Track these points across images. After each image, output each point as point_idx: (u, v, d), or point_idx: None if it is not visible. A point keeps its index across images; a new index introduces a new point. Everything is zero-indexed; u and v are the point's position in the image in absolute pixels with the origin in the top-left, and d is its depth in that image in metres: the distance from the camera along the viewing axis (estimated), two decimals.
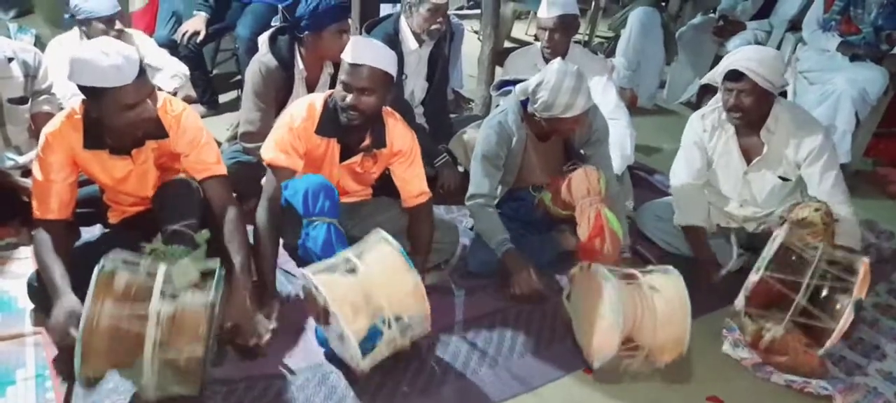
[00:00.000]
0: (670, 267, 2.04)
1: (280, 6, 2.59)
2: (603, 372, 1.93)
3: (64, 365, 1.74)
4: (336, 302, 1.66)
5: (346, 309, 1.66)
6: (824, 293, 1.98)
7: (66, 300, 1.67)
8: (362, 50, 1.98)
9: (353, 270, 1.76)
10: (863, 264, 1.93)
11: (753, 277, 2.01)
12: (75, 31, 2.92)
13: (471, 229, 2.53)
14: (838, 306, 1.93)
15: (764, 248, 2.06)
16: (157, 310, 1.51)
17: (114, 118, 1.74)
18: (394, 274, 1.76)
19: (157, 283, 1.55)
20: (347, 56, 1.97)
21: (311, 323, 2.02)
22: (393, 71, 2.01)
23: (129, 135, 1.83)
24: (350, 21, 2.66)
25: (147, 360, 1.50)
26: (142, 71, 1.74)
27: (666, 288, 1.94)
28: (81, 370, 1.48)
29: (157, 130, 1.88)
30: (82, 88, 1.73)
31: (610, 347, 1.85)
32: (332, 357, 1.90)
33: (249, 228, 2.09)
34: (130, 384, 1.72)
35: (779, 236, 2.02)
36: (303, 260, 1.94)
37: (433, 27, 2.84)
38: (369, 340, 1.71)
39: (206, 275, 1.64)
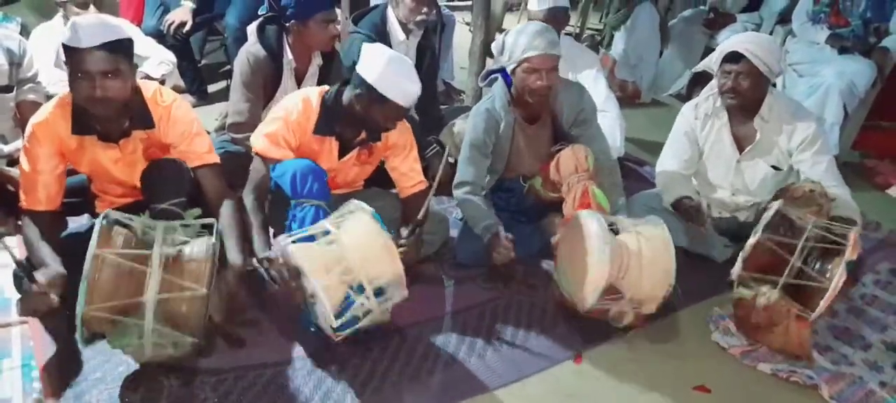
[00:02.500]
0: (653, 217, 2.09)
1: None
2: (591, 343, 1.95)
3: (55, 325, 1.77)
4: (305, 259, 1.67)
5: (318, 267, 1.67)
6: (816, 261, 2.01)
7: (54, 265, 1.65)
8: (414, 93, 1.98)
9: (325, 236, 1.77)
10: (853, 231, 1.96)
11: (751, 240, 2.04)
12: (59, 18, 2.89)
13: (460, 219, 2.53)
14: (830, 272, 1.96)
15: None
16: (160, 252, 1.55)
17: (73, 84, 1.70)
18: (366, 236, 1.76)
19: (158, 231, 1.59)
20: (397, 97, 1.94)
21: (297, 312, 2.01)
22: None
23: (103, 115, 1.76)
24: (338, 11, 2.65)
25: (149, 303, 1.50)
26: (116, 48, 1.68)
27: (649, 232, 1.99)
28: (85, 309, 1.48)
29: (144, 120, 1.86)
30: None
31: (601, 278, 1.87)
32: (320, 347, 1.90)
33: None
34: (118, 370, 1.72)
35: (775, 205, 2.05)
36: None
37: (418, 18, 2.84)
38: (345, 308, 1.71)
39: (203, 229, 1.68)
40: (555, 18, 2.96)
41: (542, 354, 2.01)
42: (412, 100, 1.97)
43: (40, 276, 1.60)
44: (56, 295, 1.58)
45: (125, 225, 1.62)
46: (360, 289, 1.71)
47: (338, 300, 1.69)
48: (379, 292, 1.74)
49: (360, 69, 1.96)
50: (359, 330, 1.76)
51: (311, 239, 1.78)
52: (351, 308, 1.71)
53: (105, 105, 1.71)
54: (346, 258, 1.70)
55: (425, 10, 2.84)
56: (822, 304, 1.90)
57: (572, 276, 2.04)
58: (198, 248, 1.61)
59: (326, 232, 1.78)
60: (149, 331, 1.52)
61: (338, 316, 1.68)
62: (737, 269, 2.05)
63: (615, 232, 2.00)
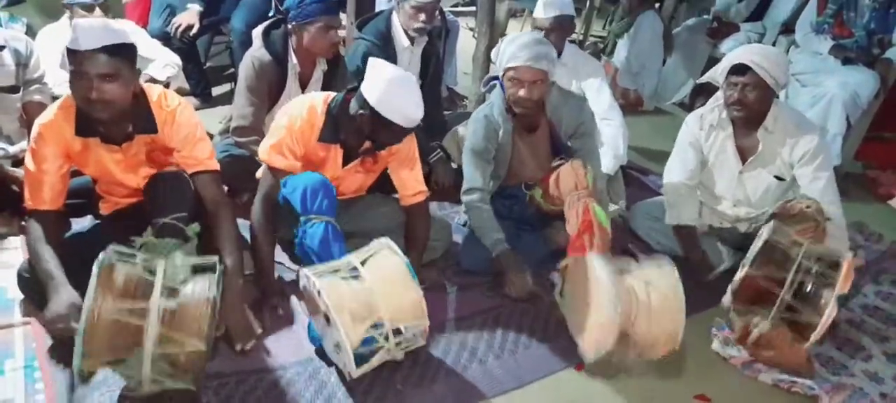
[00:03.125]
0: (665, 259, 2.03)
1: None
2: (595, 367, 1.93)
3: (58, 356, 1.74)
4: (337, 309, 1.65)
5: (346, 317, 1.66)
6: (809, 288, 2.00)
7: (65, 291, 1.66)
8: (416, 116, 1.96)
9: (356, 277, 1.75)
10: (846, 260, 1.95)
11: (739, 274, 2.03)
12: (65, 19, 2.90)
13: (464, 225, 2.53)
14: (823, 301, 1.95)
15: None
16: (158, 305, 1.51)
17: (72, 85, 1.70)
18: (397, 286, 1.75)
19: (157, 278, 1.54)
20: (399, 119, 1.93)
21: (302, 319, 2.02)
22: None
23: (102, 118, 1.75)
24: (342, 17, 2.64)
25: (147, 355, 1.49)
26: (116, 52, 1.68)
27: (660, 282, 1.94)
28: (81, 364, 1.47)
29: (147, 124, 1.86)
30: None
31: (607, 341, 1.83)
32: (323, 352, 1.90)
33: (242, 221, 2.09)
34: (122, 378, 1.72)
35: (764, 233, 2.04)
36: (299, 257, 1.94)
37: (416, 25, 2.83)
38: (364, 345, 1.71)
39: (204, 269, 1.63)
40: (560, 26, 2.96)
41: (544, 362, 2.01)
42: (414, 121, 1.95)
43: (56, 307, 1.62)
44: (74, 321, 1.56)
45: (125, 262, 1.57)
46: (384, 335, 1.71)
47: (359, 341, 1.69)
48: (399, 340, 1.75)
49: (363, 88, 1.95)
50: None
51: (337, 272, 1.77)
52: (371, 348, 1.72)
53: (103, 108, 1.71)
54: (375, 310, 1.70)
55: (423, 17, 2.83)
56: (813, 338, 1.90)
57: (576, 318, 2.02)
58: (199, 296, 1.56)
59: (354, 272, 1.76)
60: (147, 379, 1.51)
61: (358, 361, 1.69)
62: (727, 300, 2.05)
63: (623, 273, 1.93)
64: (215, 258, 1.66)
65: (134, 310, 1.50)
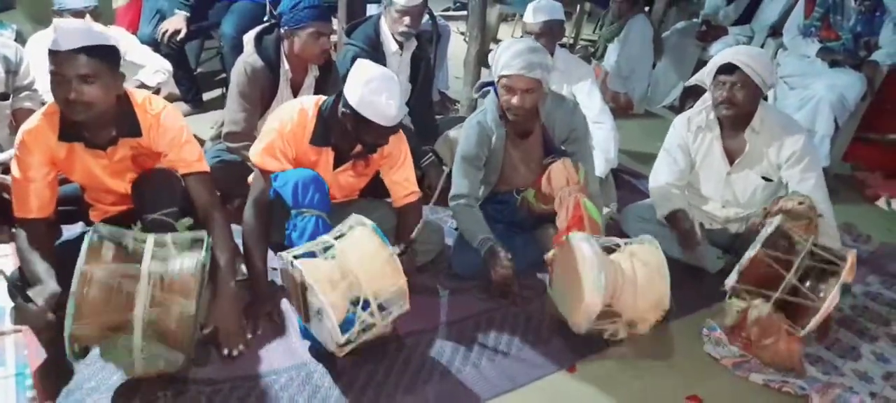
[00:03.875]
0: (647, 236, 2.09)
1: (268, 3, 2.58)
2: (585, 353, 1.95)
3: (46, 370, 1.74)
4: (313, 276, 1.66)
5: (324, 283, 1.67)
6: (810, 279, 2.03)
7: (48, 285, 1.65)
8: (393, 115, 1.94)
9: (328, 250, 1.77)
10: (851, 254, 1.99)
11: (749, 253, 2.05)
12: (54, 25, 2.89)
13: (455, 229, 2.54)
14: (823, 292, 1.98)
15: (748, 246, 2.10)
16: (148, 269, 1.53)
17: (52, 87, 1.69)
18: (369, 250, 1.76)
19: (147, 246, 1.57)
20: (377, 118, 1.92)
21: (294, 323, 2.02)
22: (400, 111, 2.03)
23: (82, 121, 1.74)
24: (334, 23, 2.64)
25: (137, 320, 1.50)
26: (95, 53, 1.66)
27: (644, 255, 1.99)
28: (73, 328, 1.47)
29: (131, 128, 1.85)
30: None
31: (595, 306, 1.87)
32: (315, 353, 1.90)
33: (235, 227, 2.08)
34: (112, 380, 1.72)
35: (776, 220, 2.07)
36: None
37: (401, 29, 2.84)
38: (348, 321, 1.71)
39: (194, 243, 1.65)
40: (550, 31, 2.98)
41: (537, 364, 2.02)
42: (392, 118, 1.94)
43: (35, 295, 1.60)
44: (51, 311, 1.58)
45: (115, 240, 1.60)
46: (365, 305, 1.71)
47: (342, 316, 1.70)
48: (381, 306, 1.75)
49: (345, 89, 1.96)
50: (360, 344, 1.76)
51: (312, 254, 1.78)
52: (354, 323, 1.72)
53: (82, 110, 1.69)
54: (350, 273, 1.71)
55: (408, 21, 2.84)
56: (813, 322, 1.92)
57: (566, 299, 2.06)
58: (187, 263, 1.59)
59: (328, 247, 1.78)
60: (138, 348, 1.52)
61: (343, 332, 1.69)
62: (732, 280, 2.07)
63: (609, 250, 2.00)
64: (204, 232, 1.68)
65: (125, 274, 1.52)
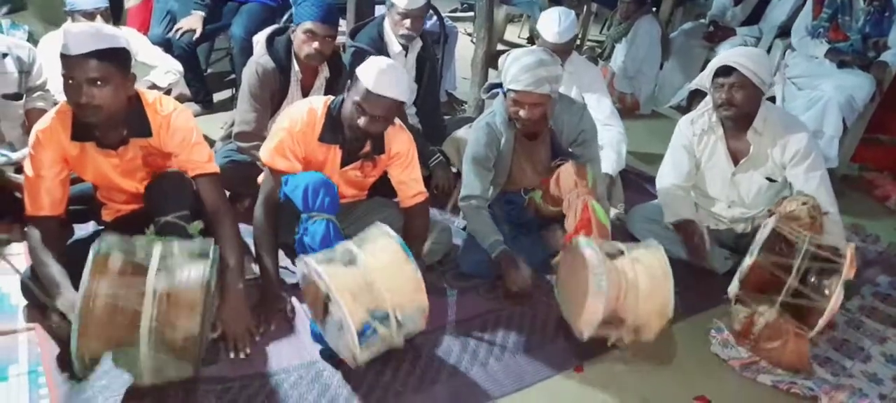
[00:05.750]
0: (652, 241, 2.08)
1: (275, 5, 2.59)
2: (592, 353, 1.95)
3: (62, 363, 1.75)
4: (338, 289, 1.66)
5: (347, 297, 1.67)
6: (813, 278, 2.03)
7: (69, 295, 1.66)
8: (383, 80, 1.94)
9: (353, 261, 1.76)
10: (849, 248, 1.98)
11: (747, 261, 2.05)
12: (67, 27, 2.91)
13: (463, 229, 2.55)
14: (827, 290, 1.98)
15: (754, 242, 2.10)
16: (153, 286, 1.53)
17: (64, 90, 1.71)
18: (394, 265, 1.77)
19: (152, 261, 1.56)
20: (368, 82, 1.93)
21: (304, 321, 2.03)
22: (407, 97, 2.04)
23: (93, 122, 1.76)
24: (343, 25, 2.63)
25: (143, 337, 1.50)
26: (106, 56, 1.67)
27: (648, 261, 1.98)
28: (78, 348, 1.48)
29: (141, 128, 1.86)
30: None
31: (598, 311, 1.87)
32: (325, 355, 1.91)
33: (245, 227, 2.10)
34: (124, 378, 1.73)
35: (770, 223, 2.06)
36: (300, 256, 1.95)
37: (402, 31, 2.84)
38: (365, 333, 1.71)
39: (200, 256, 1.65)
40: (566, 47, 2.99)
41: (544, 364, 2.02)
42: (381, 83, 1.92)
43: (65, 309, 1.63)
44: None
45: (122, 249, 1.59)
46: (385, 319, 1.72)
47: (361, 323, 1.70)
48: (399, 321, 1.75)
49: (356, 71, 2.00)
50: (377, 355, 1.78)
51: (336, 259, 1.78)
52: (373, 336, 1.72)
53: (93, 112, 1.71)
54: (373, 286, 1.71)
55: (408, 23, 2.83)
56: (821, 322, 1.92)
57: (570, 304, 2.06)
58: (193, 278, 1.59)
59: (352, 257, 1.77)
60: (144, 361, 1.53)
61: (360, 345, 1.69)
62: (734, 288, 2.07)
63: (613, 256, 1.98)
64: (211, 241, 1.68)
65: (130, 291, 1.52)
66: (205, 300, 1.57)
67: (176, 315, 1.54)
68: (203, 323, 1.57)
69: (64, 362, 1.75)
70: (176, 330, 1.54)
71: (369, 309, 1.70)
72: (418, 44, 2.97)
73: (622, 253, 2.00)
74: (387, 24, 2.92)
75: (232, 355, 1.85)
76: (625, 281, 1.92)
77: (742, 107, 2.33)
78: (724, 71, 2.32)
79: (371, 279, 1.72)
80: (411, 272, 1.77)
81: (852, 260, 1.94)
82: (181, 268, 1.59)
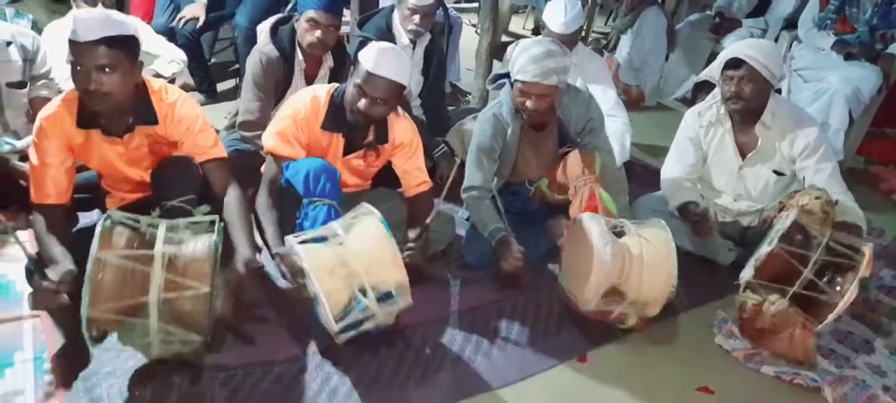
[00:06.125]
0: (656, 219, 2.08)
1: None
2: (595, 344, 1.95)
3: (67, 351, 1.76)
4: (309, 260, 1.67)
5: (321, 270, 1.67)
6: (828, 272, 2.02)
7: (64, 264, 1.65)
8: (383, 61, 1.94)
9: (336, 238, 1.77)
10: (868, 247, 1.97)
11: (765, 248, 2.04)
12: (71, 14, 2.91)
13: (467, 220, 2.55)
14: (840, 286, 1.97)
15: (760, 239, 2.09)
16: (162, 252, 1.54)
17: (72, 77, 1.71)
18: (372, 242, 1.76)
19: (160, 231, 1.59)
20: (368, 64, 1.94)
21: (307, 310, 2.03)
22: (408, 80, 2.03)
23: (101, 110, 1.76)
24: (346, 15, 2.62)
25: (152, 304, 1.51)
26: (115, 43, 1.67)
27: (651, 235, 1.99)
28: (89, 312, 1.49)
29: (147, 116, 1.86)
30: None
31: (601, 283, 1.87)
32: (328, 344, 1.91)
33: None
34: (128, 365, 1.74)
35: (792, 214, 2.05)
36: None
37: (411, 27, 2.83)
38: (348, 310, 1.72)
39: (207, 226, 1.67)
40: (573, 38, 2.98)
41: (548, 354, 2.02)
42: (381, 64, 1.93)
43: (51, 273, 1.61)
44: (66, 291, 1.60)
45: (128, 225, 1.62)
46: (364, 293, 1.72)
47: (341, 303, 1.70)
48: (384, 297, 1.75)
49: (358, 56, 2.01)
50: (362, 332, 1.77)
51: (320, 240, 1.79)
52: (354, 311, 1.72)
53: (101, 99, 1.71)
54: (350, 262, 1.71)
55: (418, 19, 2.81)
56: (831, 317, 1.92)
57: (575, 277, 2.06)
58: (200, 245, 1.61)
59: (336, 235, 1.79)
60: (154, 331, 1.53)
61: (340, 319, 1.70)
62: (748, 275, 2.06)
63: (618, 234, 2.00)
64: (216, 217, 1.69)
65: (139, 257, 1.53)
66: (213, 264, 1.58)
67: (184, 280, 1.55)
68: (211, 290, 1.57)
69: (67, 353, 1.76)
70: (184, 294, 1.55)
71: (350, 284, 1.70)
72: (427, 37, 2.97)
73: (627, 231, 2.01)
74: (396, 17, 2.91)
75: (236, 338, 1.84)
76: (629, 254, 1.93)
77: (751, 101, 2.32)
78: (734, 63, 2.30)
79: (347, 255, 1.72)
80: (389, 248, 1.75)
81: (870, 260, 1.93)
82: (188, 237, 1.62)
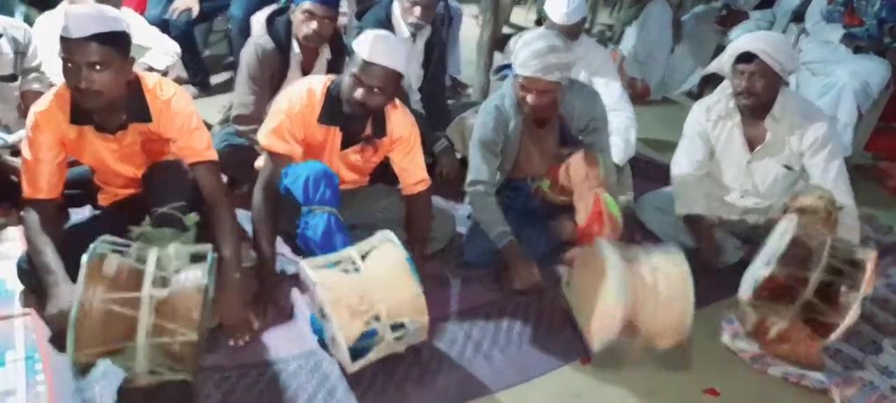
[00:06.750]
0: (674, 247, 2.00)
1: None
2: (600, 358, 1.91)
3: (59, 347, 1.72)
4: (332, 303, 1.63)
5: (343, 312, 1.64)
6: (832, 284, 1.96)
7: (65, 287, 1.64)
8: (378, 49, 1.91)
9: (356, 270, 1.73)
10: (871, 258, 1.91)
11: (763, 272, 1.99)
12: (62, 7, 2.86)
13: (468, 217, 2.50)
14: (843, 299, 1.92)
15: (766, 240, 2.05)
16: (149, 295, 1.49)
17: (64, 73, 1.68)
18: (395, 280, 1.72)
19: (148, 268, 1.52)
20: (363, 52, 1.91)
21: (303, 309, 2.00)
22: (404, 69, 1.99)
23: (93, 107, 1.73)
24: (343, 6, 2.59)
25: (140, 346, 1.47)
26: (107, 40, 1.64)
27: (668, 269, 1.90)
28: (75, 356, 1.45)
29: (141, 113, 1.83)
30: None
31: (612, 328, 1.81)
32: (324, 344, 1.88)
33: (243, 213, 2.06)
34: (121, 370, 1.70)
35: (789, 230, 2.00)
36: (301, 248, 1.91)
37: (411, 19, 2.78)
38: (363, 340, 1.69)
39: (197, 258, 1.61)
40: (576, 28, 2.92)
41: (550, 355, 1.99)
42: (376, 52, 1.90)
43: (56, 304, 1.61)
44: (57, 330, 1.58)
45: (116, 253, 1.55)
46: (382, 329, 1.69)
47: (355, 336, 1.67)
48: (399, 333, 1.73)
49: (354, 45, 1.98)
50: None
51: (334, 264, 1.75)
52: (369, 343, 1.70)
53: (92, 97, 1.68)
54: (371, 300, 1.67)
55: (418, 12, 2.76)
56: (834, 336, 1.88)
57: (582, 308, 1.98)
58: (189, 285, 1.54)
59: (354, 266, 1.74)
60: (142, 368, 1.50)
61: (353, 349, 1.67)
62: (746, 294, 2.02)
63: (631, 261, 1.90)
64: (208, 246, 1.64)
65: (125, 301, 1.48)
66: (202, 307, 1.53)
67: (172, 323, 1.50)
68: (201, 331, 1.53)
69: (60, 346, 1.72)
70: (174, 337, 1.50)
71: (365, 322, 1.67)
72: (427, 30, 2.92)
73: (640, 258, 1.91)
74: (396, 9, 2.86)
75: (231, 342, 1.83)
76: (643, 292, 1.83)
77: (761, 95, 2.27)
78: (745, 57, 2.24)
79: (369, 293, 1.68)
80: (413, 290, 1.72)
81: (872, 276, 1.87)
82: (178, 274, 1.55)
